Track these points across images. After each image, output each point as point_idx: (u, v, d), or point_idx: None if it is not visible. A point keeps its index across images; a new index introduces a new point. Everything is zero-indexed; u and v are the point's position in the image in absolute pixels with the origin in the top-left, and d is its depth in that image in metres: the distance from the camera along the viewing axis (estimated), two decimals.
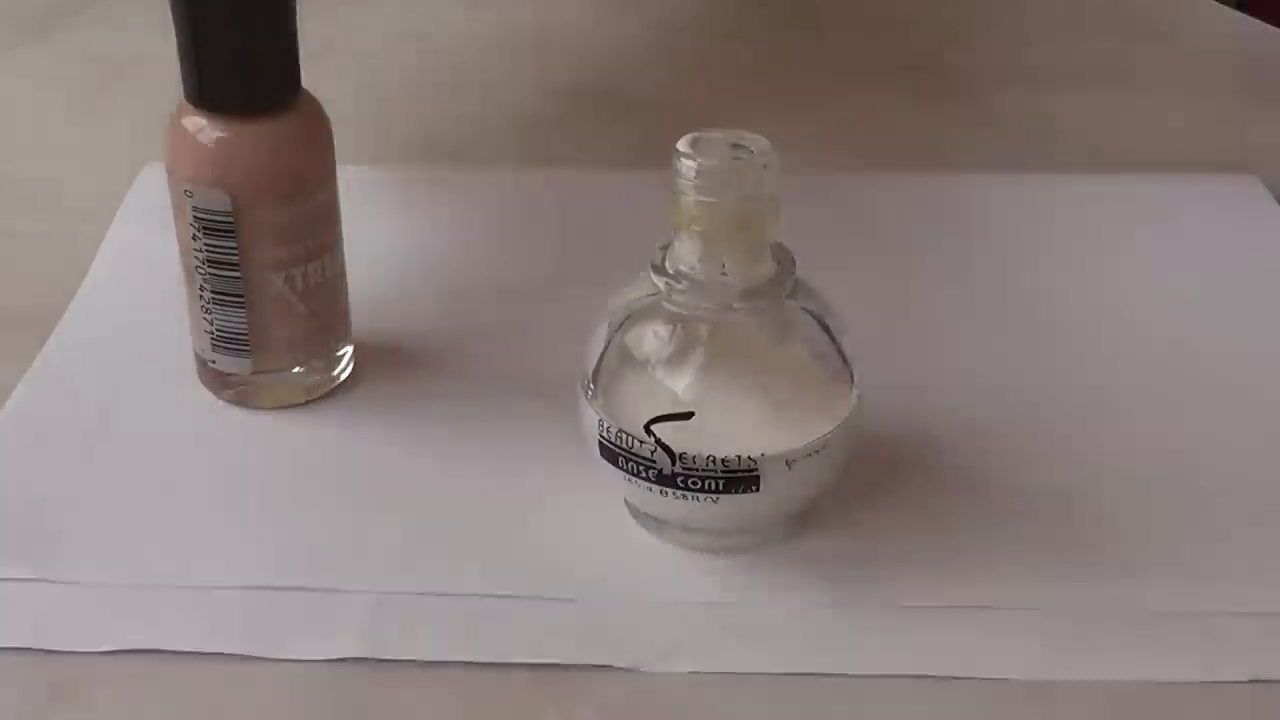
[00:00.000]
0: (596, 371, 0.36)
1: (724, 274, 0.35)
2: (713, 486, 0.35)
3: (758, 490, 0.35)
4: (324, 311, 0.41)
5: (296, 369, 0.42)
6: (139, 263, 0.47)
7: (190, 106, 0.40)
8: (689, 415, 0.35)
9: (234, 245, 0.39)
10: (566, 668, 0.35)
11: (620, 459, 0.36)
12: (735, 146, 0.35)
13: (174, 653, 0.35)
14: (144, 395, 0.42)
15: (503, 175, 0.52)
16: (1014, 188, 0.51)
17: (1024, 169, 0.53)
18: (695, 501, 0.35)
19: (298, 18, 0.39)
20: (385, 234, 0.49)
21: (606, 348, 0.36)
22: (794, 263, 0.36)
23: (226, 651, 0.35)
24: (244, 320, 0.40)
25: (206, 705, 0.34)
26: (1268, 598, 0.36)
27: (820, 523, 0.38)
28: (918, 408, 0.41)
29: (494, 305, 0.46)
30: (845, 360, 0.37)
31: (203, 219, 0.39)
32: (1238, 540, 0.38)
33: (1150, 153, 0.55)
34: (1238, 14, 0.66)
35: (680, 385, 0.35)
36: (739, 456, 0.35)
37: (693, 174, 0.34)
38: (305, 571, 0.37)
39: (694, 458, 0.35)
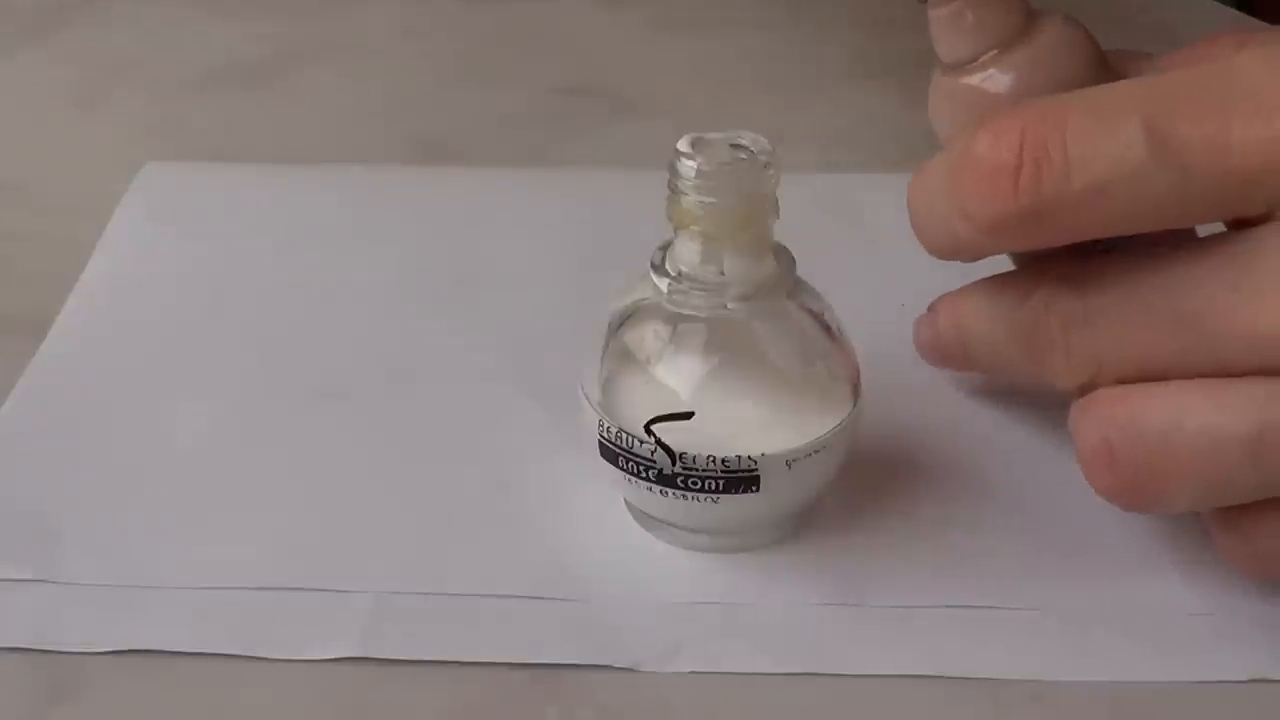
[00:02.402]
0: (596, 371, 0.36)
1: (723, 274, 0.35)
2: (713, 486, 0.35)
3: (758, 490, 0.35)
4: None
5: None
6: (137, 261, 0.47)
7: None
8: (689, 415, 0.35)
9: None
10: (566, 668, 0.34)
11: (620, 459, 0.36)
12: (735, 146, 0.35)
13: (174, 653, 0.35)
14: (144, 394, 0.42)
15: (503, 175, 0.52)
16: None
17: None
18: (695, 501, 0.35)
19: None
20: (385, 234, 0.49)
21: (606, 347, 0.36)
22: (794, 263, 0.36)
23: (226, 652, 0.35)
24: None
25: (206, 705, 0.34)
26: (1268, 598, 0.36)
27: (820, 523, 0.38)
28: (918, 408, 0.41)
29: (494, 304, 0.46)
30: (845, 360, 0.37)
31: None
32: None
33: None
34: (1237, 14, 0.66)
35: (680, 385, 0.35)
36: (739, 456, 0.35)
37: (693, 174, 0.34)
38: (305, 571, 0.37)
39: (694, 458, 0.35)
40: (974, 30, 0.35)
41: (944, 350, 0.40)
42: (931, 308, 0.40)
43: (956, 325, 0.39)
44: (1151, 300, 0.33)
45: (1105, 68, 0.36)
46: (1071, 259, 0.34)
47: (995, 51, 0.35)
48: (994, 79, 0.35)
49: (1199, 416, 0.32)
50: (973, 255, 0.36)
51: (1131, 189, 0.32)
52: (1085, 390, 0.34)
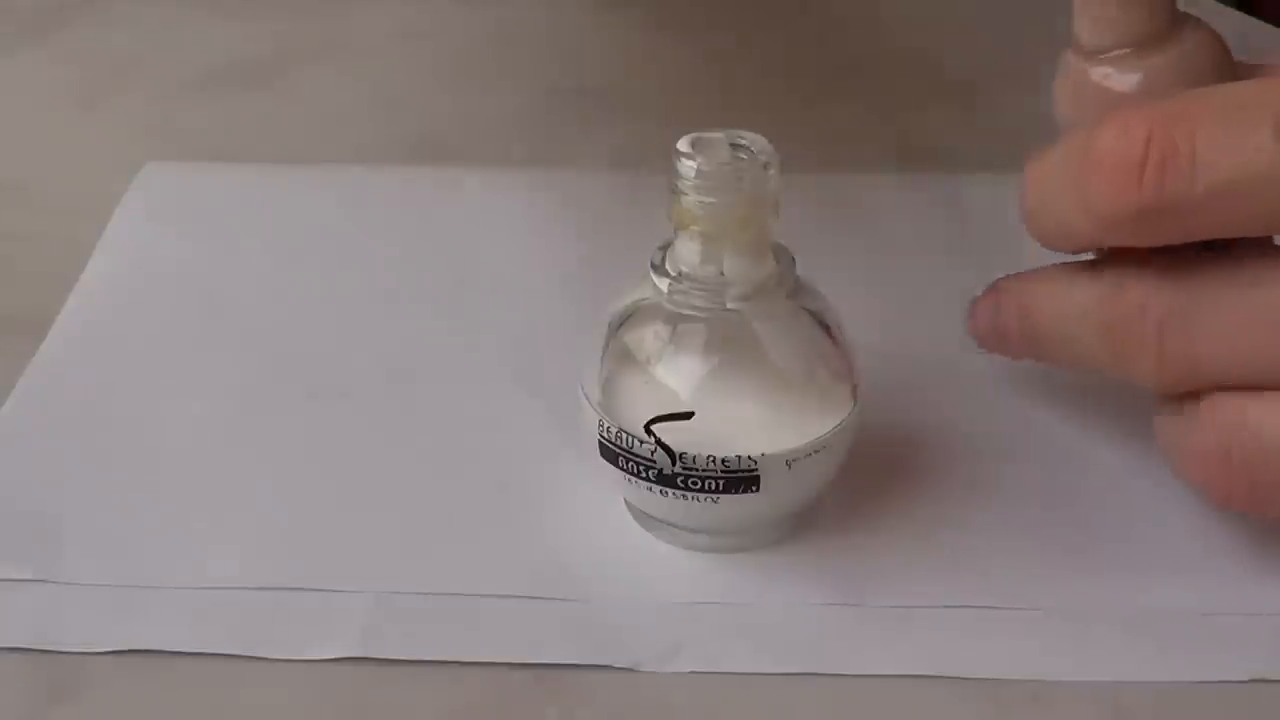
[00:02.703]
0: (597, 371, 0.36)
1: (723, 274, 0.35)
2: (713, 486, 0.35)
3: (758, 490, 0.35)
4: None
5: None
6: (137, 261, 0.47)
7: None
8: (689, 415, 0.35)
9: None
10: (566, 668, 0.35)
11: (620, 459, 0.36)
12: (735, 146, 0.35)
13: (174, 653, 0.35)
14: (144, 394, 0.42)
15: (503, 175, 0.52)
16: (1014, 188, 0.51)
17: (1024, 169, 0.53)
18: (695, 501, 0.35)
19: None
20: (385, 234, 0.49)
21: (606, 348, 0.36)
22: (794, 263, 0.36)
23: (226, 652, 0.35)
24: None
25: (206, 705, 0.34)
26: (1268, 598, 0.36)
27: (820, 523, 0.38)
28: (918, 407, 0.41)
29: (493, 304, 0.46)
30: (845, 360, 0.37)
31: None
32: (1237, 539, 0.38)
33: None
34: (1238, 13, 0.66)
35: (680, 385, 0.35)
36: (739, 456, 0.35)
37: (693, 174, 0.34)
38: (305, 571, 0.37)
39: (694, 458, 0.35)
40: (1116, 21, 0.35)
41: (1003, 336, 0.39)
42: (992, 290, 0.39)
43: (1025, 312, 0.37)
44: (1270, 303, 0.32)
45: (1234, 79, 0.35)
46: (1169, 255, 0.34)
47: (1131, 49, 0.34)
48: (1122, 77, 0.35)
49: None
50: (1085, 247, 0.35)
51: (1258, 193, 0.31)
52: (1173, 392, 0.34)
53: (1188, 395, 0.34)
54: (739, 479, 0.35)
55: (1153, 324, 0.34)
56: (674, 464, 0.35)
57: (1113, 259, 0.35)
